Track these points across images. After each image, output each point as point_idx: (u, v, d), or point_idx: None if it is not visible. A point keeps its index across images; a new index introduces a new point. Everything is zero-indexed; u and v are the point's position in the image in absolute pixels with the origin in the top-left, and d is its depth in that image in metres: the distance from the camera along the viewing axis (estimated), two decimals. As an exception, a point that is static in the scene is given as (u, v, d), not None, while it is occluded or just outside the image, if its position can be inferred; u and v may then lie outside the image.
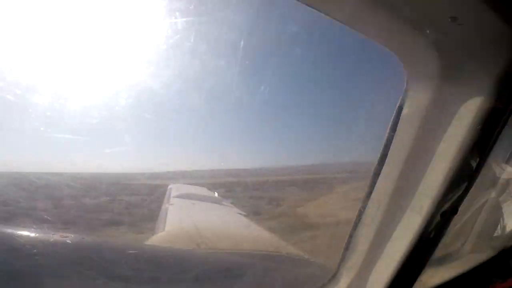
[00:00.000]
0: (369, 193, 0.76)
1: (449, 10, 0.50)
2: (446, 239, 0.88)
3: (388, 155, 0.71)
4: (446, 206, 0.65)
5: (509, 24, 0.51)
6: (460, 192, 0.66)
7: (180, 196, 5.78)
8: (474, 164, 0.64)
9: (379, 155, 0.73)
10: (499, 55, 0.57)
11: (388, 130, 0.71)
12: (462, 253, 1.27)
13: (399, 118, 0.68)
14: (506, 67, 0.57)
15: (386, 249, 0.75)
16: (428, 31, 0.56)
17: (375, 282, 0.79)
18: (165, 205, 5.23)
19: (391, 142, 0.70)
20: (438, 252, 1.05)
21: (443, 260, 1.14)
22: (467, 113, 0.60)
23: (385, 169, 0.72)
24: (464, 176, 0.65)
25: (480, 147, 0.63)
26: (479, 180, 0.69)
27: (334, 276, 0.87)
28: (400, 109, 0.67)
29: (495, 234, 1.36)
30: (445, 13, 0.51)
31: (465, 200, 0.69)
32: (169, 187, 5.76)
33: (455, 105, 0.61)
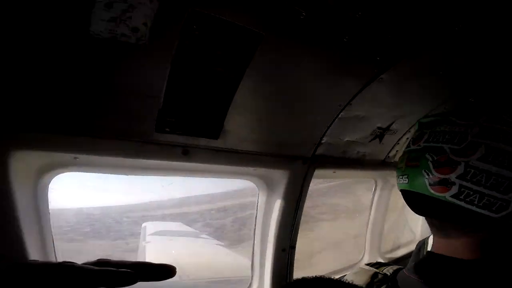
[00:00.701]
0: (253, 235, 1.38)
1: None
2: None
3: (256, 218, 1.36)
4: (284, 244, 1.28)
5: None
6: (291, 235, 1.31)
7: (155, 234, 5.98)
8: (292, 220, 1.30)
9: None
10: (282, 178, 1.23)
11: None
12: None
13: (258, 204, 1.35)
14: (289, 183, 1.23)
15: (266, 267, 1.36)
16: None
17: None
18: (142, 243, 5.45)
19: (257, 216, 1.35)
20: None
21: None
22: (276, 202, 1.26)
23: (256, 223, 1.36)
24: (291, 227, 1.29)
25: (292, 216, 1.29)
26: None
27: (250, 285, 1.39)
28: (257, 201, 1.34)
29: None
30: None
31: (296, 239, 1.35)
32: (143, 225, 6.06)
33: (274, 198, 1.27)
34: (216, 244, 5.94)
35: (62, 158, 0.83)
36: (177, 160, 0.86)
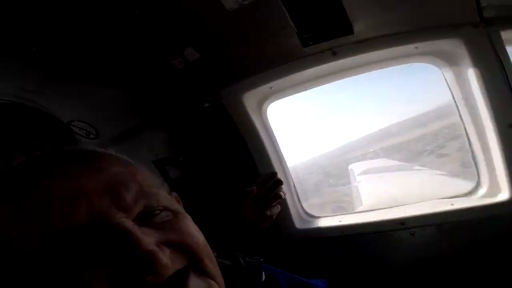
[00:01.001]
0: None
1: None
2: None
3: (456, 100, 1.21)
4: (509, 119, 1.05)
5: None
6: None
7: (362, 173, 6.38)
8: (507, 90, 1.03)
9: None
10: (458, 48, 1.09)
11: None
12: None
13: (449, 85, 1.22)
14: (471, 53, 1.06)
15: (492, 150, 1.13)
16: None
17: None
18: (354, 184, 6.03)
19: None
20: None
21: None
22: (469, 74, 1.10)
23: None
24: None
25: (503, 84, 1.02)
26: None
27: (477, 185, 1.29)
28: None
29: None
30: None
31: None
32: (349, 168, 6.70)
33: (464, 70, 1.12)
34: (428, 173, 5.46)
35: (264, 91, 1.36)
36: (330, 61, 1.14)
